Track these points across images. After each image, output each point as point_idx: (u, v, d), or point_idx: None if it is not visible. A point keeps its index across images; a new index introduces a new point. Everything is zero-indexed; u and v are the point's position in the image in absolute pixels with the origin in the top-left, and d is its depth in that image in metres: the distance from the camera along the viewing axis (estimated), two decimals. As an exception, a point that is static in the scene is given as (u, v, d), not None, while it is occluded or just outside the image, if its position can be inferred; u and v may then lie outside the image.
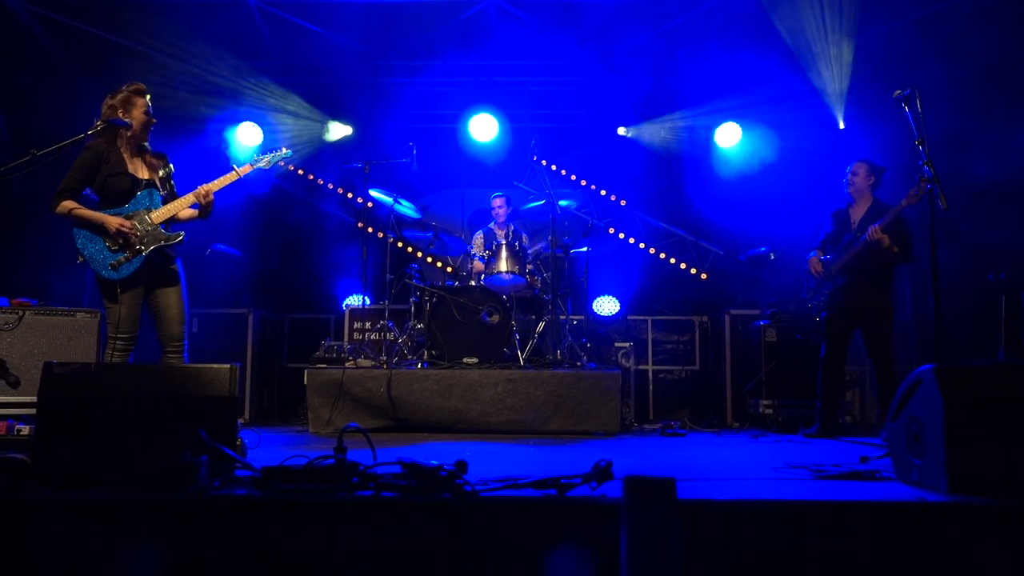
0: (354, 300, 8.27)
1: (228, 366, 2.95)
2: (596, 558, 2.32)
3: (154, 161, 4.34)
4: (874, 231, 5.18)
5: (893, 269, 5.48)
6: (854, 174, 5.61)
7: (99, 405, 2.78)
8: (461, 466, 2.57)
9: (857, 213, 5.59)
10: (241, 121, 8.18)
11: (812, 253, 5.75)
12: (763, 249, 7.23)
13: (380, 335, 6.81)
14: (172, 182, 4.42)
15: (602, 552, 2.31)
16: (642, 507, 2.05)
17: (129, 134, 4.18)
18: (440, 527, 2.38)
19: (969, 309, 6.44)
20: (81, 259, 4.13)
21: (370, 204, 6.92)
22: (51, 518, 2.40)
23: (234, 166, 4.43)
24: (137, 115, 4.19)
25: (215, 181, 4.34)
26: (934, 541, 2.35)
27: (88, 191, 4.19)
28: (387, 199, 6.74)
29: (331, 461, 2.64)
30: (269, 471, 2.58)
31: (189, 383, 2.91)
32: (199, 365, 2.96)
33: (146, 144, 4.33)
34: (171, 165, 4.44)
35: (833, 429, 5.53)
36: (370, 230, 6.95)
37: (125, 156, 4.21)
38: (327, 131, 8.55)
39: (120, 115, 4.11)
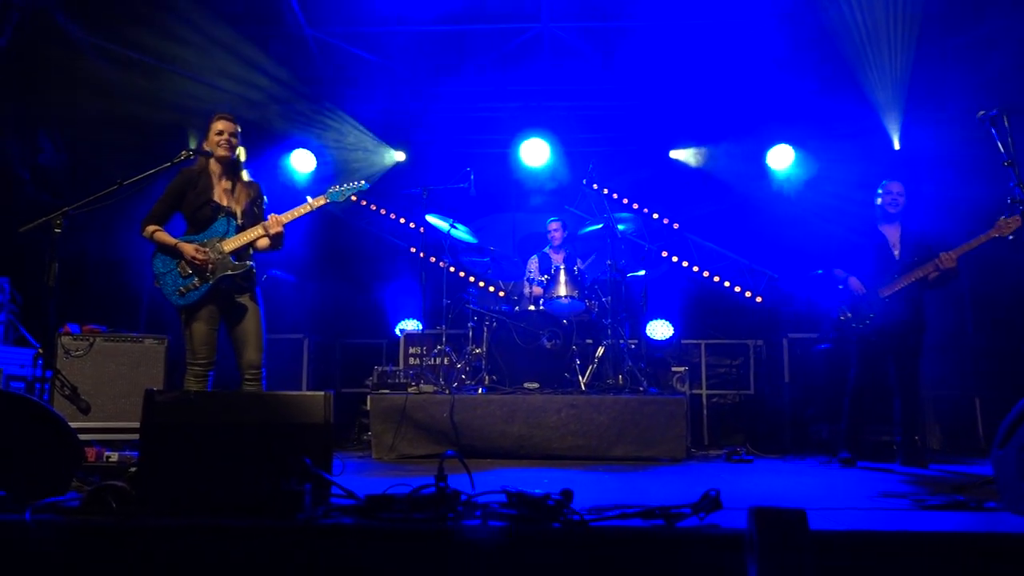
0: (408, 325, 8.29)
1: (323, 393, 2.96)
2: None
3: (243, 190, 4.34)
4: (948, 258, 5.08)
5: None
6: (900, 195, 5.47)
7: (199, 432, 2.79)
8: (567, 495, 2.53)
9: (891, 235, 5.45)
10: (295, 148, 8.28)
11: (845, 273, 5.50)
12: (819, 271, 7.12)
13: (437, 360, 6.80)
14: (260, 211, 4.39)
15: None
16: (774, 539, 2.00)
17: (213, 162, 4.24)
18: (552, 557, 2.34)
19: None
20: (158, 283, 4.18)
21: (422, 229, 6.94)
22: (160, 545, 2.40)
23: (308, 197, 4.39)
24: (210, 142, 4.25)
25: (287, 212, 4.32)
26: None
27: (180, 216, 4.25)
28: (443, 224, 6.74)
29: (432, 490, 2.62)
30: (373, 500, 2.57)
31: (285, 410, 2.92)
32: (294, 392, 2.97)
33: (241, 172, 4.35)
34: (263, 195, 4.43)
35: (858, 455, 5.31)
36: (422, 255, 6.97)
37: (213, 182, 4.27)
38: (380, 157, 8.61)
39: (205, 145, 4.18)
